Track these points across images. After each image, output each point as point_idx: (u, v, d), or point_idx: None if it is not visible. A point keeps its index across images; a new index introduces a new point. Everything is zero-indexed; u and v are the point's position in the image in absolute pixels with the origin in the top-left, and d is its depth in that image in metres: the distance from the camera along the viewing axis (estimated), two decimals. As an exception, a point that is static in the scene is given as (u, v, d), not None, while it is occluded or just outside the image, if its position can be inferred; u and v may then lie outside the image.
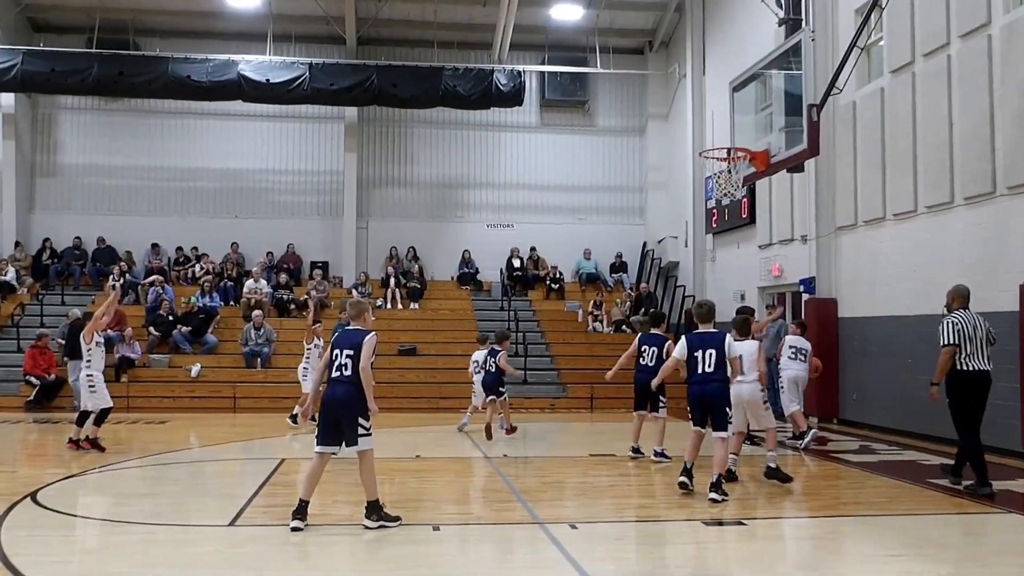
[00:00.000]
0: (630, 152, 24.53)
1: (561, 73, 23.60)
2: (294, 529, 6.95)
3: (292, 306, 21.05)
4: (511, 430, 13.02)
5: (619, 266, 23.82)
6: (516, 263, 23.30)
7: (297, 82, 20.91)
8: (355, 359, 7.06)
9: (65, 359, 16.93)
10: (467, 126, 24.02)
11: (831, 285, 15.75)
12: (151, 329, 19.33)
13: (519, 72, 21.80)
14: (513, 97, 21.68)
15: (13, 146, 22.59)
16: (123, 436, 13.11)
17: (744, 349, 9.22)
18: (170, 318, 19.50)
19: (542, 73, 23.72)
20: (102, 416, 11.28)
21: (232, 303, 21.18)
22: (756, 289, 18.60)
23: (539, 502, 8.33)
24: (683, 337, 8.82)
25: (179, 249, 22.90)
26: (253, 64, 20.96)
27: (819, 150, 12.51)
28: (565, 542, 6.69)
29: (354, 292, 21.33)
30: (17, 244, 22.51)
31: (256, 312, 19.12)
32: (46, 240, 22.77)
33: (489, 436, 12.16)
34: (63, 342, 17.91)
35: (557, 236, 23.72)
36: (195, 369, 18.26)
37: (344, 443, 7.14)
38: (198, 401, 17.50)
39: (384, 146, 24.11)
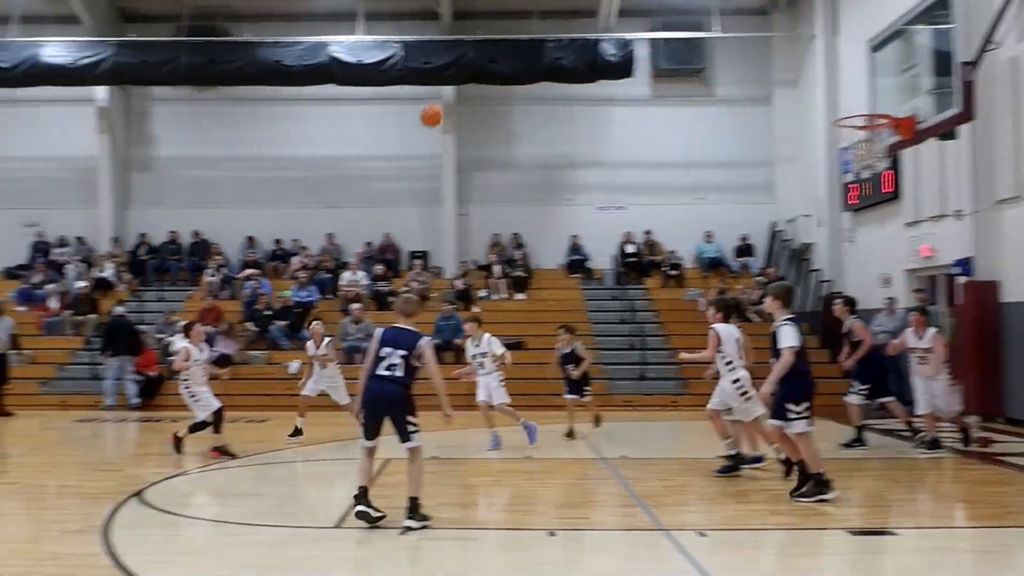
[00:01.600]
0: (754, 123, 23.99)
1: (675, 40, 23.25)
2: (358, 514, 7.31)
3: (391, 298, 21.45)
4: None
5: (744, 249, 23.39)
6: (630, 248, 23.14)
7: (390, 62, 21.23)
8: (408, 360, 7.39)
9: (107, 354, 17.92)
10: (573, 101, 23.91)
11: (992, 265, 15.09)
12: (249, 325, 20.04)
13: (628, 40, 21.60)
14: (622, 68, 21.48)
15: (108, 140, 23.76)
16: (224, 435, 13.65)
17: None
18: (267, 313, 20.18)
19: (653, 40, 23.39)
20: (217, 421, 11.66)
21: (329, 296, 21.76)
22: (903, 272, 17.99)
23: (662, 507, 8.30)
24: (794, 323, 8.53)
25: (277, 241, 23.68)
26: (344, 45, 21.38)
27: (975, 113, 12.00)
28: (693, 550, 6.66)
29: (456, 283, 21.62)
30: (114, 240, 23.66)
31: (355, 305, 19.57)
32: (142, 235, 23.89)
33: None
34: (160, 337, 18.86)
35: (674, 218, 23.41)
36: (294, 366, 18.82)
37: (400, 440, 7.48)
38: (298, 399, 17.99)
39: (484, 126, 24.29)
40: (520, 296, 22.03)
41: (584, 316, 20.56)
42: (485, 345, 12.20)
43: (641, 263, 22.98)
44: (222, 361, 18.82)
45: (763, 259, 23.39)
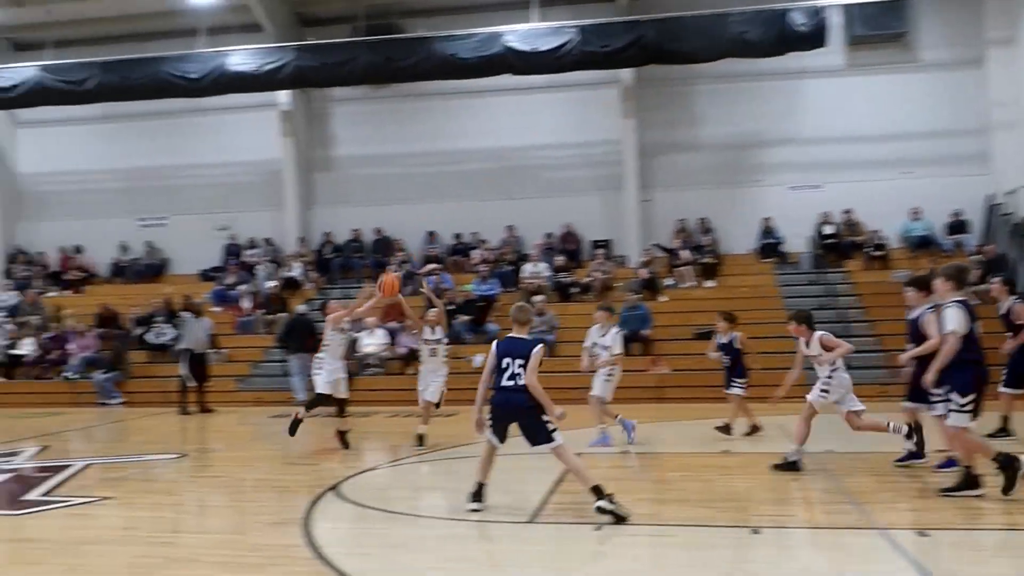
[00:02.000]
0: (964, 88, 22.62)
1: (871, 3, 22.15)
2: (472, 511, 7.78)
3: (574, 290, 21.57)
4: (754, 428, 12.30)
5: (957, 226, 22.10)
6: (828, 229, 22.33)
7: (566, 48, 21.22)
8: (526, 367, 7.73)
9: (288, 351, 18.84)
10: (760, 77, 23.28)
11: None
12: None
13: (819, 8, 20.76)
14: (813, 38, 20.65)
15: (291, 143, 25.03)
16: (411, 430, 14.07)
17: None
18: (450, 307, 20.66)
19: (847, 6, 22.39)
20: (315, 402, 12.01)
21: (511, 288, 22.08)
22: None
23: (875, 504, 7.97)
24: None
25: (457, 235, 24.22)
26: (519, 34, 21.57)
27: None
28: (913, 550, 6.36)
29: (640, 272, 21.48)
30: (301, 240, 24.87)
31: (537, 297, 19.76)
32: (326, 234, 25.03)
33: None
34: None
35: (877, 195, 22.41)
36: (477, 359, 19.20)
37: (532, 444, 7.81)
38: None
39: (666, 108, 24.02)
40: (709, 283, 21.69)
41: (779, 303, 20.01)
42: (610, 339, 12.06)
43: (841, 244, 22.16)
44: (407, 356, 19.48)
45: (979, 236, 22.00)
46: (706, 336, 19.30)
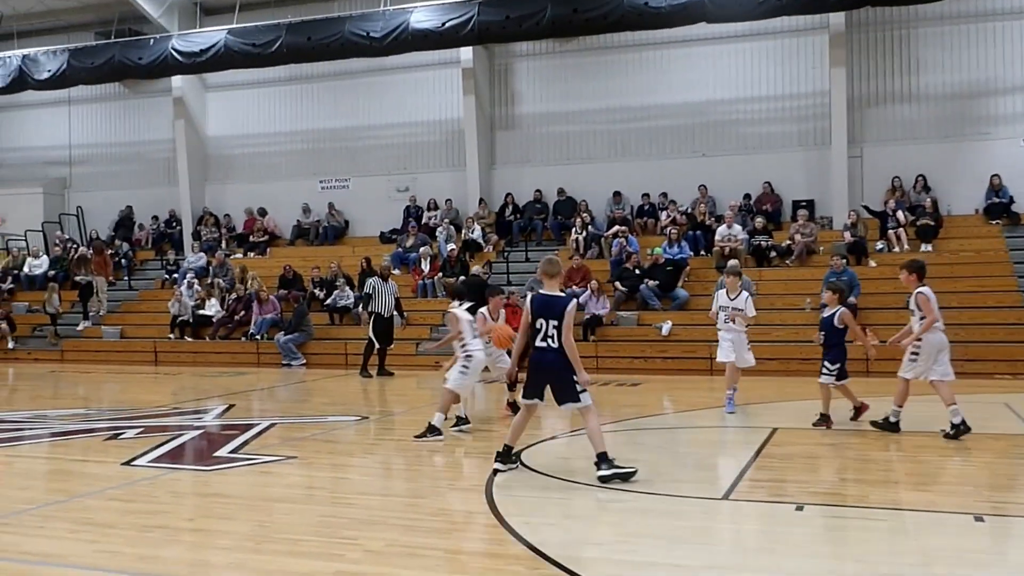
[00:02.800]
0: None
1: None
2: (496, 471, 8.30)
3: (773, 254, 21.04)
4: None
5: None
6: (1070, 187, 20.87)
7: (772, -9, 20.64)
8: (560, 329, 8.00)
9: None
10: (991, 16, 22.02)
11: None
12: (617, 284, 20.59)
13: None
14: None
15: (473, 101, 25.42)
16: (596, 397, 14.16)
17: None
18: (636, 272, 20.59)
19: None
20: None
21: (703, 253, 21.75)
22: None
23: None
24: None
25: (645, 196, 24.03)
26: (720, -24, 21.13)
27: None
28: None
29: (846, 235, 20.72)
30: (481, 201, 25.29)
31: (732, 262, 19.36)
32: (508, 195, 25.33)
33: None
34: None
35: None
36: (666, 327, 19.09)
37: (559, 403, 8.16)
38: (671, 362, 18.29)
39: (880, 54, 22.98)
40: (926, 247, 20.66)
41: (1008, 269, 18.99)
42: (742, 302, 12.21)
43: (1084, 203, 20.65)
44: (592, 322, 19.57)
45: None
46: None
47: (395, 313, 18.71)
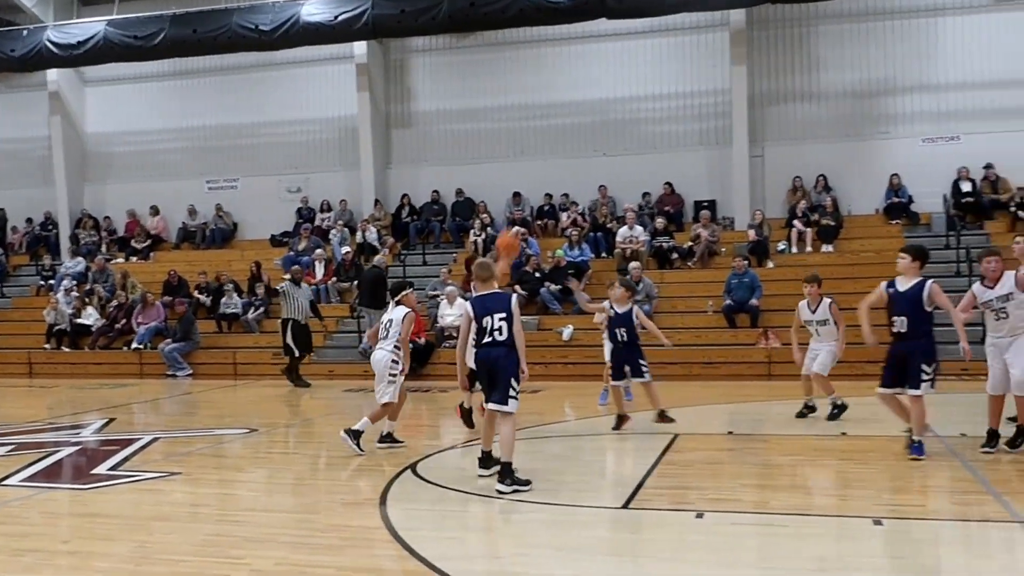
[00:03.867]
0: None
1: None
2: (480, 476, 8.52)
3: (674, 255, 21.39)
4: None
5: (1121, 182, 21.23)
6: (965, 186, 21.66)
7: (671, -12, 21.02)
8: (509, 321, 8.29)
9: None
10: (890, 15, 22.66)
11: None
12: (517, 288, 20.66)
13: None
14: (954, -32, 20.02)
15: (368, 98, 25.25)
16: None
17: None
18: (537, 275, 20.72)
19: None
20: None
21: (604, 255, 22.01)
22: None
23: (1018, 494, 7.79)
24: None
25: (546, 196, 24.21)
26: (617, -27, 21.43)
27: None
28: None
29: (750, 233, 21.20)
30: (376, 202, 25.16)
31: (633, 264, 19.67)
32: (404, 196, 25.25)
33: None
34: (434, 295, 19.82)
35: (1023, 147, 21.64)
36: (567, 331, 19.24)
37: (486, 399, 8.36)
38: (572, 367, 18.43)
39: (781, 52, 23.53)
40: (827, 248, 21.27)
41: (908, 269, 19.46)
42: (823, 312, 12.25)
43: (980, 203, 21.51)
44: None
45: None
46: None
47: (312, 317, 18.56)
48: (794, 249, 21.45)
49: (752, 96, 23.21)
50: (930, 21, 22.62)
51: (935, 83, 22.57)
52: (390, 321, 10.48)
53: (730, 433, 11.31)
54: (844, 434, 10.87)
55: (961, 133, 22.31)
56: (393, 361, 10.35)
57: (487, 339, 8.34)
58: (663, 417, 11.73)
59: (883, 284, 9.71)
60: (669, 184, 23.61)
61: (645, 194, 23.57)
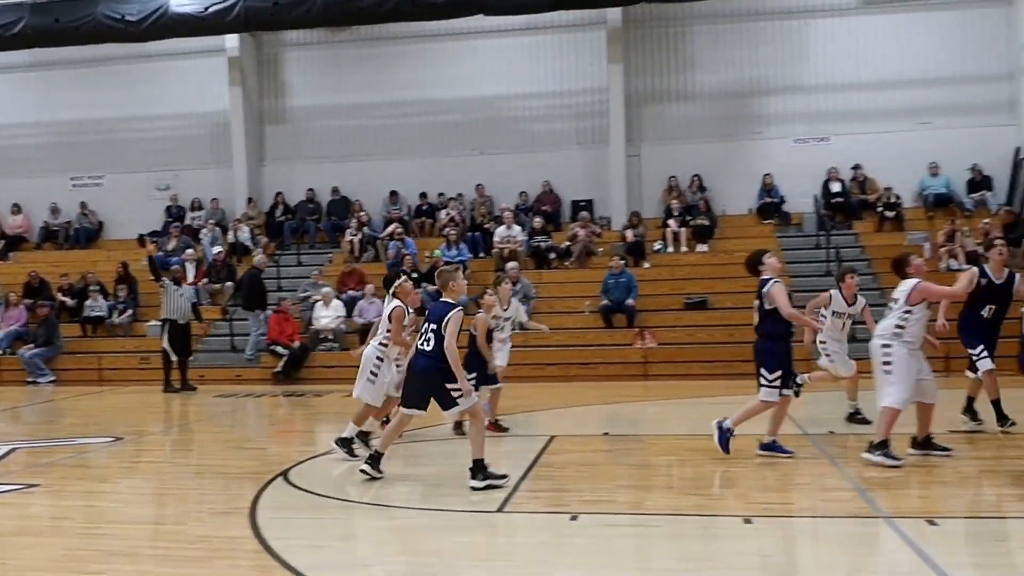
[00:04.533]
0: (991, 28, 22.60)
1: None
2: (362, 471, 8.65)
3: (552, 255, 21.60)
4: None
5: (980, 182, 22.23)
6: (835, 187, 22.45)
7: (546, -16, 21.22)
8: (438, 334, 8.24)
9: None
10: (764, 16, 23.32)
11: None
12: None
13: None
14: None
15: (240, 93, 24.86)
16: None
17: None
18: (414, 275, 20.64)
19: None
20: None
21: (482, 254, 22.11)
22: None
23: (882, 490, 8.08)
24: None
25: (423, 195, 24.19)
26: (493, -32, 21.55)
27: None
28: (922, 542, 6.45)
29: (628, 234, 21.54)
30: (250, 200, 24.76)
31: (510, 264, 19.79)
32: (278, 194, 24.91)
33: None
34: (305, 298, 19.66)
35: (891, 148, 22.47)
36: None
37: (443, 409, 8.45)
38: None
39: (657, 51, 23.98)
40: (702, 248, 21.79)
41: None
42: (860, 307, 11.82)
43: (849, 204, 22.36)
44: (365, 330, 19.49)
45: (1005, 193, 22.15)
46: (699, 306, 19.54)
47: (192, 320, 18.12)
48: (670, 249, 21.88)
49: (629, 95, 23.61)
50: (801, 23, 23.35)
51: (806, 84, 23.32)
52: (387, 316, 10.25)
53: (606, 434, 11.49)
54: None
55: (831, 134, 23.12)
56: (378, 358, 10.10)
57: (420, 346, 8.41)
58: (497, 426, 11.56)
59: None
60: (547, 183, 23.85)
61: (522, 193, 23.75)
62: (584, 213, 22.66)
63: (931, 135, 22.51)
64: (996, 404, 10.57)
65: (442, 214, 23.47)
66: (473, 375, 10.88)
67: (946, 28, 22.80)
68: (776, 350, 9.38)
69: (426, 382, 8.36)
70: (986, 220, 19.95)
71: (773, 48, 23.49)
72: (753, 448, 9.60)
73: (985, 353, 10.42)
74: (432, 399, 8.43)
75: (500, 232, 21.84)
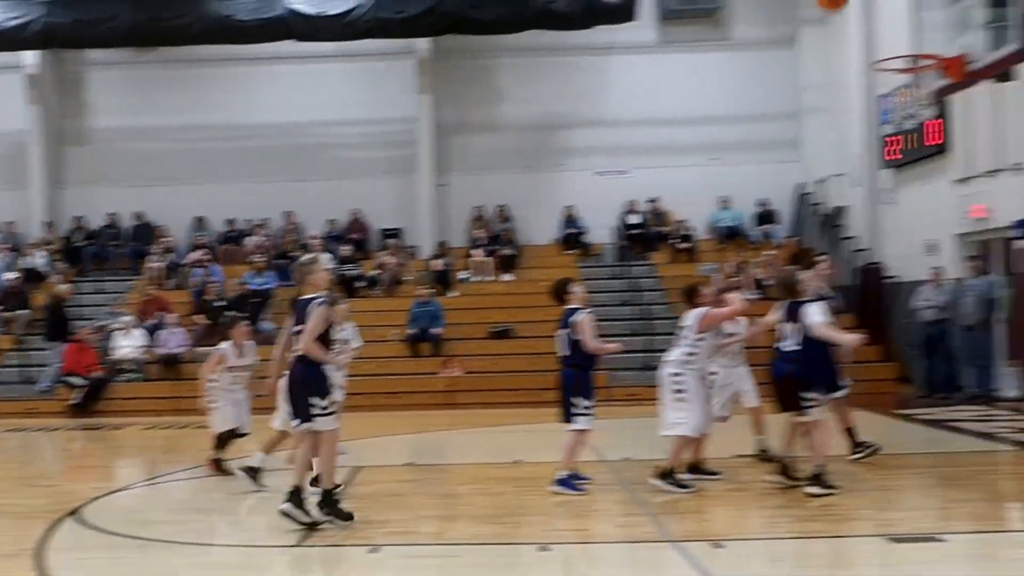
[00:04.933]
0: (778, 70, 23.90)
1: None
2: (282, 512, 7.73)
3: (361, 284, 21.56)
4: None
5: (765, 216, 23.50)
6: (633, 219, 23.23)
7: (356, 12, 21.16)
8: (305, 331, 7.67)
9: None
10: (567, 51, 23.80)
11: None
12: (199, 317, 20.13)
13: (630, -21, 21.61)
14: (623, 10, 21.43)
15: (39, 112, 23.81)
16: (174, 442, 13.77)
17: None
18: (220, 303, 20.25)
19: (659, -22, 23.31)
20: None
21: (290, 282, 21.83)
22: (952, 237, 18.01)
23: (672, 515, 8.41)
24: None
25: (229, 221, 23.74)
26: (304, -5, 21.48)
27: None
28: (707, 563, 6.74)
29: (436, 263, 21.73)
30: (49, 225, 23.70)
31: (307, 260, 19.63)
32: (78, 219, 23.96)
33: None
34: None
35: (685, 182, 23.41)
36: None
37: (292, 418, 7.95)
38: (257, 400, 18.09)
39: (465, 83, 24.27)
40: (507, 277, 22.18)
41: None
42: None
43: (647, 235, 23.11)
44: (170, 360, 19.00)
45: (789, 226, 23.47)
46: (504, 334, 19.88)
47: None
48: (476, 278, 22.13)
49: (438, 125, 23.86)
50: (603, 59, 24.03)
51: (607, 119, 24.00)
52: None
53: (411, 464, 11.55)
54: (519, 461, 11.38)
55: (630, 167, 23.85)
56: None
57: (294, 350, 7.87)
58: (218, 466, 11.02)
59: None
60: (356, 211, 23.81)
61: (332, 221, 23.63)
62: (392, 241, 22.74)
63: (722, 170, 23.58)
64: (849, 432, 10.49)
65: (250, 241, 23.08)
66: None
67: (737, 69, 23.97)
68: (585, 378, 9.37)
69: (294, 389, 7.89)
70: (769, 252, 21.00)
71: (576, 82, 24.11)
72: (554, 475, 9.76)
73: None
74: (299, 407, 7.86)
75: (309, 260, 21.61)
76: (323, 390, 7.74)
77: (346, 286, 21.57)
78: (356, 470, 10.92)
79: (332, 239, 23.06)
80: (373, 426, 14.91)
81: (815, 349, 8.91)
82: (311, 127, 24.41)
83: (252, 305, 20.16)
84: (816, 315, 8.83)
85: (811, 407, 8.91)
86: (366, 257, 22.88)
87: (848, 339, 9.30)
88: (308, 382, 7.75)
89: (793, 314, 9.01)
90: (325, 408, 7.74)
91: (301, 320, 7.81)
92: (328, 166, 24.22)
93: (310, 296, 7.94)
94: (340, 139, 24.53)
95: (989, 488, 9.73)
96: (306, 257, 8.77)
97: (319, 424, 7.76)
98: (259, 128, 24.31)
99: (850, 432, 10.49)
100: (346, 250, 22.28)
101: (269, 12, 21.15)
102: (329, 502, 7.82)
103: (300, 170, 24.15)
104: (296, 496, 7.77)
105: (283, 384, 8.45)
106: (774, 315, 9.49)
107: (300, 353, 7.77)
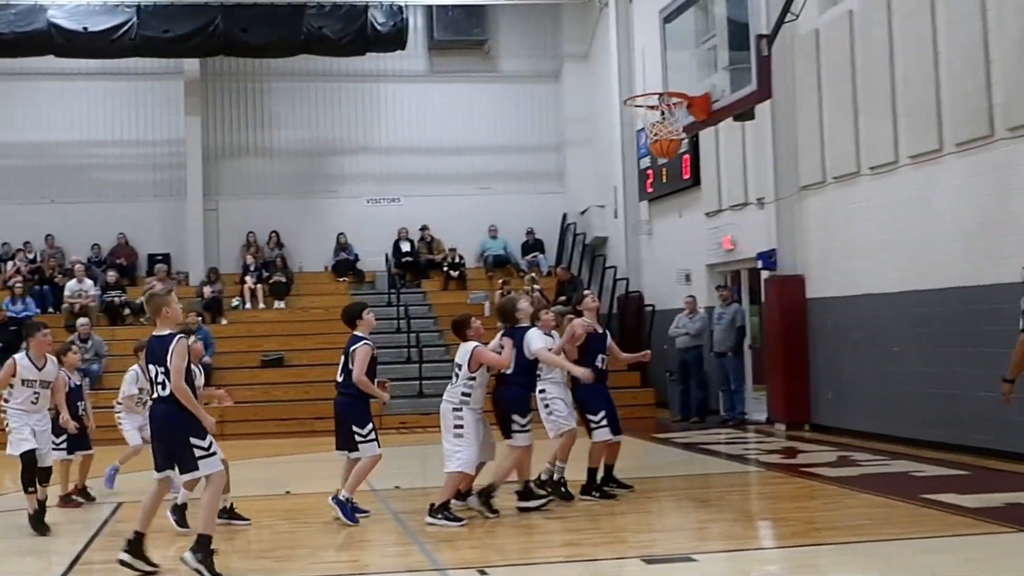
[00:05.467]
0: (542, 102, 24.75)
1: (453, 7, 23.65)
2: (121, 563, 7.36)
3: (127, 311, 20.85)
4: None
5: (533, 245, 24.20)
6: (405, 246, 23.50)
7: (122, 30, 20.78)
8: (168, 373, 7.15)
9: None
10: (338, 77, 23.98)
11: (796, 258, 15.91)
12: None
13: (400, 7, 21.93)
14: (393, 39, 21.82)
15: None
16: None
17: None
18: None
19: (429, 7, 23.69)
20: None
21: (52, 310, 20.92)
22: (704, 268, 18.94)
23: (442, 543, 8.55)
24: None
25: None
26: (66, 9, 20.79)
27: (772, 91, 12.59)
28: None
29: (206, 290, 21.26)
30: None
31: (81, 320, 18.92)
32: None
33: None
34: None
35: (455, 211, 23.93)
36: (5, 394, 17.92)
37: (180, 471, 7.41)
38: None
39: (235, 106, 23.99)
40: (279, 304, 22.00)
41: (355, 325, 20.65)
42: None
43: (418, 263, 23.42)
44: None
45: (554, 256, 24.24)
46: (275, 363, 19.69)
47: None
48: (247, 305, 21.85)
49: (207, 148, 23.47)
50: (373, 87, 24.32)
51: (378, 146, 24.29)
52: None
53: (175, 499, 11.23)
54: (288, 493, 11.34)
55: (402, 195, 24.22)
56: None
57: (154, 393, 7.26)
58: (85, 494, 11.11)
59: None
60: (123, 235, 23.04)
61: (95, 245, 22.78)
62: (161, 266, 22.10)
63: (491, 199, 24.28)
64: (601, 470, 10.39)
65: (8, 265, 21.93)
66: (63, 438, 10.49)
67: (504, 100, 24.68)
68: (362, 406, 9.48)
69: (166, 434, 7.29)
70: (533, 277, 21.67)
71: (347, 109, 24.26)
72: (322, 506, 9.77)
73: (605, 422, 10.08)
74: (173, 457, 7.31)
75: (71, 286, 20.75)
76: (201, 430, 7.27)
77: (111, 314, 20.87)
78: (119, 505, 10.62)
79: (96, 264, 22.22)
80: (137, 461, 14.38)
81: (525, 376, 9.48)
82: (73, 147, 23.52)
83: (10, 333, 19.15)
84: (536, 342, 9.32)
85: (520, 432, 9.46)
86: (133, 283, 22.15)
87: (579, 371, 9.62)
88: (180, 423, 7.21)
89: (514, 340, 9.40)
90: (208, 448, 7.27)
91: (158, 360, 7.21)
92: (92, 188, 23.38)
93: (162, 334, 7.31)
94: (105, 160, 23.69)
95: (739, 507, 10.41)
96: (160, 288, 8.02)
97: (206, 467, 7.28)
98: (17, 146, 23.29)
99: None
100: (111, 276, 21.48)
101: (30, 25, 20.51)
102: (205, 548, 7.26)
103: (62, 191, 23.23)
104: (136, 545, 7.50)
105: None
106: (495, 341, 9.77)
107: (166, 395, 7.20)
